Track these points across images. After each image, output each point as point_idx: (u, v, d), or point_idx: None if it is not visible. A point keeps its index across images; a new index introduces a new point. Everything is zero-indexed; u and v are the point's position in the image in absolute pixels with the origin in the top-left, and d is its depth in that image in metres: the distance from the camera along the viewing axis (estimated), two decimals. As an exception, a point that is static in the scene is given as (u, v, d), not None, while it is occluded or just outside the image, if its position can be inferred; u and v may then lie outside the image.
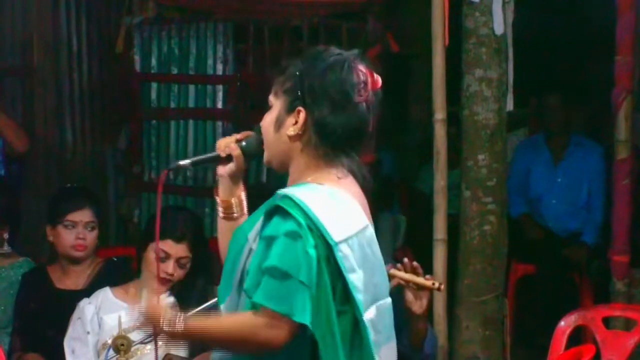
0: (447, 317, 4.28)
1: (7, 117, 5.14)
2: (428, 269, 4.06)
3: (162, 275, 3.53)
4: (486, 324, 4.34)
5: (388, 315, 2.32)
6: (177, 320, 2.26)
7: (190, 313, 3.17)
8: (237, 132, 2.55)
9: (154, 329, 2.28)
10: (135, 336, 3.39)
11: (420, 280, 3.23)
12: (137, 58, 5.64)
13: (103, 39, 6.13)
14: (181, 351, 3.48)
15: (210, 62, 5.59)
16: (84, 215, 3.86)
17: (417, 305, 3.26)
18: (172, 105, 5.65)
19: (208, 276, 3.57)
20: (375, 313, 2.27)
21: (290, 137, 2.33)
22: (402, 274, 3.25)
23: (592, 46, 6.66)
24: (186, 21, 5.62)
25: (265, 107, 2.47)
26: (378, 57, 5.40)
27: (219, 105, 5.58)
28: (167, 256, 3.53)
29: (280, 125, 2.35)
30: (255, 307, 2.22)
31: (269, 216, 2.26)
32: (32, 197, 5.61)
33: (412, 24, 6.43)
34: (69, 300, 3.74)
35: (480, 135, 4.30)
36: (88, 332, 3.56)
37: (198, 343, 2.59)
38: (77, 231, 3.84)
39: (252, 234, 2.30)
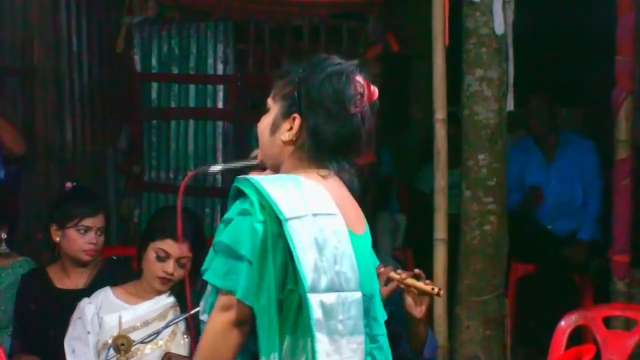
0: (447, 316, 4.28)
1: (5, 121, 5.13)
2: (428, 269, 4.07)
3: (162, 275, 3.53)
4: (487, 324, 4.34)
5: (356, 309, 2.31)
6: None
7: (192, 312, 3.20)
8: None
9: None
10: (136, 336, 3.39)
11: (420, 285, 3.23)
12: (137, 58, 5.65)
13: (103, 38, 6.13)
14: (181, 350, 3.49)
15: (210, 61, 5.59)
16: (97, 221, 3.87)
17: (417, 309, 3.26)
18: (173, 105, 5.65)
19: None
20: (336, 301, 2.28)
21: (284, 142, 2.40)
22: (402, 279, 3.24)
23: (592, 46, 6.66)
24: (186, 21, 5.62)
25: (265, 107, 2.49)
26: (378, 57, 5.41)
27: (220, 105, 5.58)
28: (168, 256, 3.54)
29: (275, 129, 2.42)
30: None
31: (232, 200, 2.35)
32: (32, 197, 5.61)
33: (413, 23, 6.43)
34: (69, 300, 3.74)
35: (480, 135, 4.30)
36: (88, 332, 3.56)
37: None
38: (90, 236, 3.85)
39: None
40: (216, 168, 2.73)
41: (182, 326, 3.50)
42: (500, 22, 4.25)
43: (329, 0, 5.46)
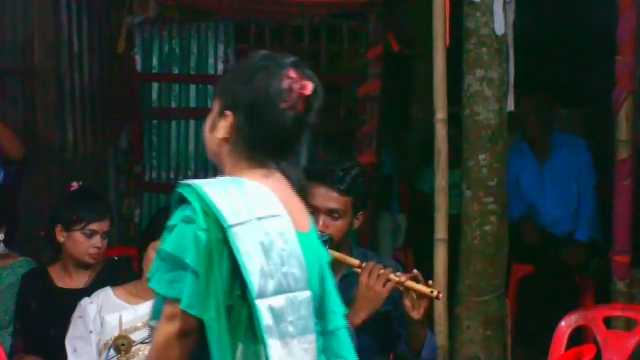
0: (447, 316, 4.28)
1: (3, 125, 5.13)
2: (429, 269, 4.07)
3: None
4: (487, 324, 4.34)
5: (305, 309, 2.30)
6: None
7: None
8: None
9: None
10: (137, 336, 3.40)
11: (419, 288, 3.23)
12: (138, 58, 5.65)
13: (104, 38, 6.14)
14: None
15: (211, 61, 5.60)
16: (104, 225, 3.87)
17: (416, 311, 3.26)
18: (173, 105, 5.66)
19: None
20: (285, 303, 2.26)
21: (220, 140, 2.39)
22: (401, 281, 3.24)
23: (592, 46, 6.67)
24: (187, 21, 5.62)
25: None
26: (379, 57, 5.41)
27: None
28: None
29: (213, 127, 2.41)
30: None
31: (175, 206, 2.32)
32: (32, 197, 5.61)
33: (413, 23, 6.43)
34: (70, 300, 3.75)
35: (481, 135, 4.30)
36: (91, 331, 3.56)
37: None
38: (95, 240, 3.85)
39: None
40: None
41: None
42: (501, 22, 4.25)
43: (329, 0, 5.46)
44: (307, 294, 2.31)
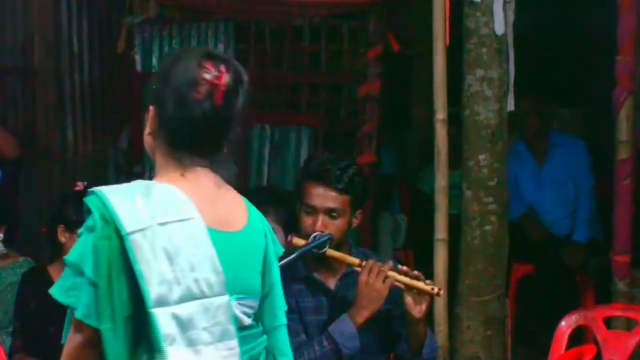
0: (448, 316, 4.28)
1: None
2: (429, 269, 4.07)
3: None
4: (487, 324, 4.34)
5: (224, 314, 2.25)
6: None
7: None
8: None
9: None
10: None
11: (420, 285, 3.23)
12: (137, 58, 5.65)
13: (104, 39, 6.14)
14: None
15: (211, 62, 5.59)
16: None
17: (417, 309, 3.25)
18: (173, 105, 5.65)
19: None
20: (196, 310, 2.21)
21: (146, 136, 2.38)
22: (402, 278, 3.24)
23: (592, 46, 6.67)
24: (187, 21, 5.62)
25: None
26: (379, 57, 5.41)
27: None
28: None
29: (146, 124, 2.40)
30: None
31: (87, 213, 2.30)
32: (32, 197, 5.61)
33: (413, 24, 6.43)
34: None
35: (481, 135, 4.30)
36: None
37: None
38: None
39: None
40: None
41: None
42: (501, 22, 4.25)
43: (329, 0, 5.46)
44: (224, 299, 2.25)
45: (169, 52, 2.29)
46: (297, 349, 3.04)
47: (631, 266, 4.49)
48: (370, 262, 3.26)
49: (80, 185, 4.01)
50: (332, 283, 3.38)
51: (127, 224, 2.18)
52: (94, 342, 2.18)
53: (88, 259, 2.19)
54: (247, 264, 2.34)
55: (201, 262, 2.23)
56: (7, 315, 4.04)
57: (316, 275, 3.38)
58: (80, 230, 2.27)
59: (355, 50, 5.54)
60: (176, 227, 2.22)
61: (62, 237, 3.87)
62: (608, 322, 4.04)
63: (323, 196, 3.29)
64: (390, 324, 3.39)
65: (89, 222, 2.25)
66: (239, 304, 2.31)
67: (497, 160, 4.32)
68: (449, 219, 4.27)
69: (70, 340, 2.22)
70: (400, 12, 6.15)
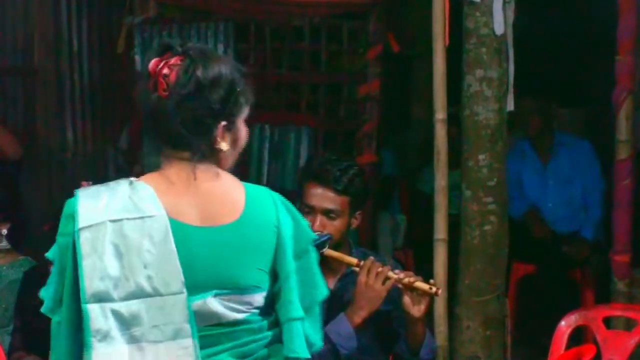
0: (447, 317, 4.28)
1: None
2: (429, 269, 4.07)
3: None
4: (487, 324, 4.34)
5: (180, 313, 2.24)
6: None
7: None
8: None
9: None
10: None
11: (418, 284, 3.22)
12: (137, 58, 5.65)
13: (104, 39, 6.15)
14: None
15: (211, 62, 5.59)
16: None
17: (416, 309, 3.25)
18: (173, 105, 5.64)
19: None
20: (143, 307, 2.22)
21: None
22: (400, 277, 3.24)
23: (592, 46, 6.67)
24: (187, 21, 5.62)
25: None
26: (379, 57, 5.41)
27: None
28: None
29: None
30: None
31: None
32: (33, 197, 5.61)
33: (413, 24, 6.44)
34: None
35: (480, 135, 4.30)
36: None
37: None
38: None
39: None
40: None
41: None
42: (501, 22, 4.24)
43: (329, 0, 5.46)
44: (181, 297, 2.24)
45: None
46: None
47: (631, 266, 4.49)
48: (369, 261, 3.25)
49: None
50: (331, 283, 3.37)
51: (82, 220, 2.24)
52: None
53: (55, 253, 2.31)
54: (237, 259, 2.32)
55: (158, 260, 2.23)
56: (7, 313, 4.04)
57: (316, 275, 3.38)
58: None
59: (355, 50, 5.54)
60: (132, 224, 2.24)
61: None
62: (608, 322, 4.04)
63: (321, 196, 3.29)
64: (390, 325, 3.38)
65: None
66: (222, 299, 2.30)
67: (496, 160, 4.32)
68: (449, 219, 4.27)
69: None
70: (400, 12, 6.16)
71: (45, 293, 2.31)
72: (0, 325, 4.07)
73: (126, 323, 2.22)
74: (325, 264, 3.34)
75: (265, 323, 2.38)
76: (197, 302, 2.29)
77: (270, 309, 2.39)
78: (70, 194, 2.35)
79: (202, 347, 2.28)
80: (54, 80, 5.94)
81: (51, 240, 3.98)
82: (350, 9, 5.51)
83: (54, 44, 5.91)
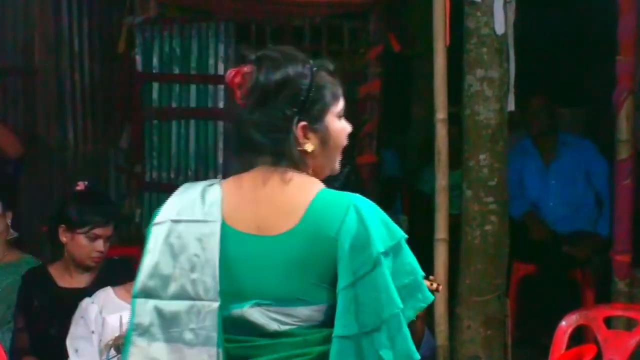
0: (448, 316, 4.28)
1: (0, 124, 5.13)
2: (429, 269, 4.07)
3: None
4: (487, 324, 4.34)
5: (211, 320, 2.26)
6: None
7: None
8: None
9: None
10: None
11: (419, 281, 3.22)
12: (138, 58, 5.65)
13: (104, 39, 6.15)
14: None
15: (211, 62, 5.59)
16: (108, 230, 3.86)
17: (416, 306, 3.24)
18: (174, 105, 5.66)
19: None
20: (184, 309, 2.27)
21: None
22: None
23: (593, 46, 6.67)
24: (187, 21, 5.62)
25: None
26: (379, 57, 5.41)
27: (221, 105, 5.58)
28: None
29: None
30: None
31: None
32: (33, 197, 5.62)
33: (414, 24, 6.43)
34: (71, 299, 3.74)
35: (481, 135, 4.30)
36: (92, 332, 3.56)
37: None
38: (98, 244, 3.84)
39: None
40: None
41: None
42: (501, 22, 4.24)
43: (330, 0, 5.47)
44: (214, 305, 2.26)
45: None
46: None
47: (631, 266, 4.49)
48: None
49: (81, 185, 4.00)
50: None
51: (158, 217, 2.36)
52: None
53: None
54: (282, 269, 2.26)
55: (203, 265, 2.27)
56: (10, 311, 4.04)
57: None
58: None
59: (356, 50, 5.54)
60: (189, 227, 2.30)
61: (63, 237, 3.87)
62: (608, 321, 4.04)
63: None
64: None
65: None
66: (263, 310, 2.27)
67: (497, 160, 4.32)
68: (450, 219, 4.27)
69: None
70: (401, 12, 6.15)
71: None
72: (5, 322, 4.06)
73: (167, 322, 2.27)
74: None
75: (314, 337, 2.28)
76: (236, 311, 2.28)
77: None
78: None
79: (239, 357, 2.29)
80: (55, 80, 5.94)
81: (48, 241, 4.00)
82: (350, 8, 5.51)
83: (54, 44, 5.91)
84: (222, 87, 5.56)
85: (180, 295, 2.27)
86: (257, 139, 2.30)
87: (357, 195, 2.34)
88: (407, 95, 7.73)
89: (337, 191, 2.33)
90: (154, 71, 5.67)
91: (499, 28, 4.25)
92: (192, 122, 5.64)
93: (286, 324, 2.27)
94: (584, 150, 5.74)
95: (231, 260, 2.28)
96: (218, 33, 5.57)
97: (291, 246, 2.26)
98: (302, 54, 2.44)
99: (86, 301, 3.63)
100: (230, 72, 2.34)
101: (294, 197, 2.29)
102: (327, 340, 2.25)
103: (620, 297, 4.44)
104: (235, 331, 2.28)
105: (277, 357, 2.27)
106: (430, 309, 3.36)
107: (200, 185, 2.38)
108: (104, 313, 3.56)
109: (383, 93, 5.44)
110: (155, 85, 5.68)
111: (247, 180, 2.33)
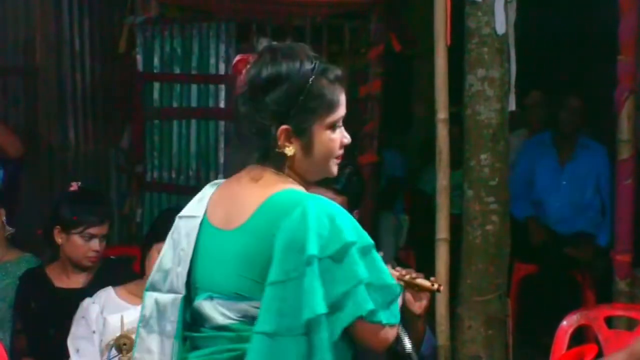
0: (449, 316, 4.28)
1: (1, 124, 5.12)
2: (430, 269, 4.07)
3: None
4: (488, 324, 4.33)
5: (177, 311, 2.34)
6: None
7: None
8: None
9: None
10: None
11: (420, 281, 3.22)
12: (139, 58, 5.65)
13: (105, 38, 6.15)
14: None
15: (212, 61, 5.59)
16: (103, 229, 3.86)
17: (417, 305, 3.25)
18: (175, 104, 5.65)
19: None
20: (171, 302, 2.34)
21: None
22: (402, 274, 3.24)
23: (594, 46, 6.67)
24: (188, 21, 5.62)
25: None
26: (380, 57, 5.41)
27: (222, 104, 5.58)
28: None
29: None
30: None
31: None
32: (33, 197, 5.62)
33: (415, 23, 6.42)
34: (68, 299, 3.75)
35: (482, 134, 4.30)
36: (93, 331, 3.57)
37: None
38: (93, 243, 3.84)
39: None
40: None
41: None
42: (502, 22, 4.24)
43: (331, 0, 5.46)
44: (180, 298, 2.34)
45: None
46: None
47: (632, 266, 4.49)
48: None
49: (74, 186, 4.00)
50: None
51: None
52: None
53: None
54: (229, 264, 2.29)
55: (184, 259, 2.34)
56: (10, 310, 4.04)
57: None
58: None
59: (357, 50, 5.54)
60: (184, 223, 2.37)
61: (59, 238, 3.87)
62: (609, 321, 4.04)
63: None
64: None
65: None
66: (215, 303, 2.30)
67: (498, 159, 4.31)
68: (451, 219, 4.27)
69: None
70: (402, 12, 6.15)
71: None
72: (5, 321, 4.06)
73: (160, 314, 2.35)
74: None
75: (246, 334, 2.26)
76: (196, 303, 2.34)
77: None
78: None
79: (195, 348, 2.34)
80: (56, 80, 5.94)
81: (44, 244, 4.01)
82: (351, 8, 5.51)
83: (55, 44, 5.91)
84: (223, 86, 5.57)
85: (171, 289, 2.35)
86: (244, 133, 2.32)
87: (317, 197, 2.30)
88: (408, 95, 7.74)
89: (299, 192, 2.30)
90: (154, 71, 5.66)
91: (500, 28, 4.25)
92: (193, 122, 5.64)
93: (229, 318, 2.29)
94: (598, 156, 5.73)
95: (201, 254, 2.34)
96: (219, 33, 5.56)
97: (238, 242, 2.28)
98: (309, 56, 2.36)
99: (87, 301, 3.63)
100: (236, 58, 2.33)
101: (252, 195, 2.29)
102: None
103: (621, 297, 4.44)
104: (197, 323, 2.34)
105: (213, 350, 2.31)
106: (431, 309, 3.36)
107: (209, 184, 2.44)
108: (105, 313, 3.56)
109: (384, 93, 5.44)
110: (156, 85, 5.68)
111: (235, 178, 2.37)
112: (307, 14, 5.51)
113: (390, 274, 3.19)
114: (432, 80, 4.25)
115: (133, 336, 3.35)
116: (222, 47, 5.56)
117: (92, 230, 3.82)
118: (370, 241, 2.27)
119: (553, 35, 7.32)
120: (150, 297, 2.38)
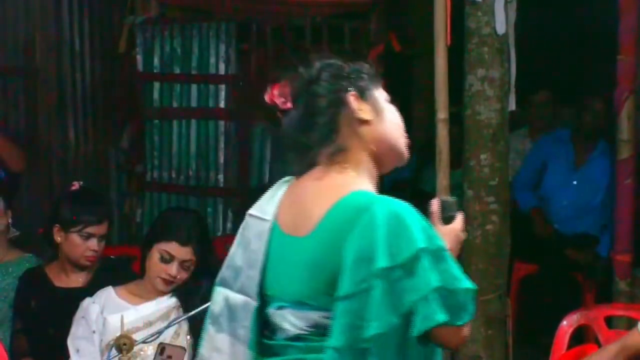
0: (449, 316, 4.27)
1: (3, 138, 5.09)
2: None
3: (165, 277, 3.53)
4: (488, 324, 4.33)
5: (251, 318, 2.30)
6: None
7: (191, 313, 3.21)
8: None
9: None
10: (138, 336, 3.39)
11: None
12: (139, 58, 5.66)
13: (105, 38, 6.15)
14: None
15: (212, 61, 5.60)
16: (101, 229, 3.86)
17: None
18: (175, 104, 5.66)
19: (212, 278, 3.56)
20: (241, 305, 2.30)
21: None
22: None
23: (594, 46, 6.66)
24: (188, 21, 5.63)
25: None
26: (380, 57, 5.41)
27: (222, 104, 5.59)
28: (171, 258, 3.52)
29: None
30: None
31: None
32: (34, 197, 5.62)
33: (415, 23, 6.44)
34: (68, 299, 3.74)
35: (482, 134, 4.30)
36: (93, 331, 3.57)
37: None
38: (92, 242, 3.83)
39: None
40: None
41: (184, 326, 3.50)
42: (502, 21, 4.24)
43: (331, 0, 5.47)
44: (254, 304, 2.30)
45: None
46: None
47: (632, 266, 4.49)
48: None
49: (76, 185, 4.00)
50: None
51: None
52: None
53: None
54: (299, 273, 2.25)
55: (255, 263, 2.30)
56: (11, 309, 4.04)
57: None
58: None
59: (357, 50, 5.54)
60: (254, 222, 2.34)
61: (58, 237, 3.87)
62: (609, 321, 4.04)
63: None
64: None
65: None
66: (285, 312, 2.27)
67: (498, 159, 4.31)
68: (451, 219, 4.26)
69: None
70: (402, 12, 6.16)
71: None
72: (6, 321, 4.06)
73: (231, 314, 2.30)
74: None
75: (314, 345, 2.23)
76: (269, 311, 2.31)
77: None
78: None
79: (265, 356, 2.31)
80: (55, 80, 5.93)
81: (44, 244, 4.01)
82: (351, 8, 5.52)
83: (55, 44, 5.90)
84: (222, 86, 5.57)
85: (241, 290, 2.30)
86: (305, 139, 2.33)
87: (384, 198, 2.25)
88: (408, 95, 7.73)
89: (366, 194, 2.26)
90: (154, 71, 5.67)
91: (500, 28, 4.25)
92: (193, 122, 5.65)
93: (299, 328, 2.25)
94: (609, 159, 5.68)
95: (271, 260, 2.31)
96: (219, 33, 5.57)
97: (306, 250, 2.24)
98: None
99: (87, 301, 3.63)
100: (270, 93, 2.40)
101: (320, 200, 2.26)
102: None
103: (621, 297, 4.44)
104: (268, 329, 2.31)
105: None
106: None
107: (280, 182, 2.39)
108: (105, 313, 3.56)
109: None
110: (156, 85, 5.69)
111: (303, 180, 2.34)
112: (308, 14, 5.52)
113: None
114: (432, 80, 4.25)
115: (133, 336, 3.36)
116: (222, 47, 5.57)
117: (91, 230, 3.82)
118: (441, 243, 2.22)
119: (553, 35, 7.32)
120: (220, 293, 2.32)
